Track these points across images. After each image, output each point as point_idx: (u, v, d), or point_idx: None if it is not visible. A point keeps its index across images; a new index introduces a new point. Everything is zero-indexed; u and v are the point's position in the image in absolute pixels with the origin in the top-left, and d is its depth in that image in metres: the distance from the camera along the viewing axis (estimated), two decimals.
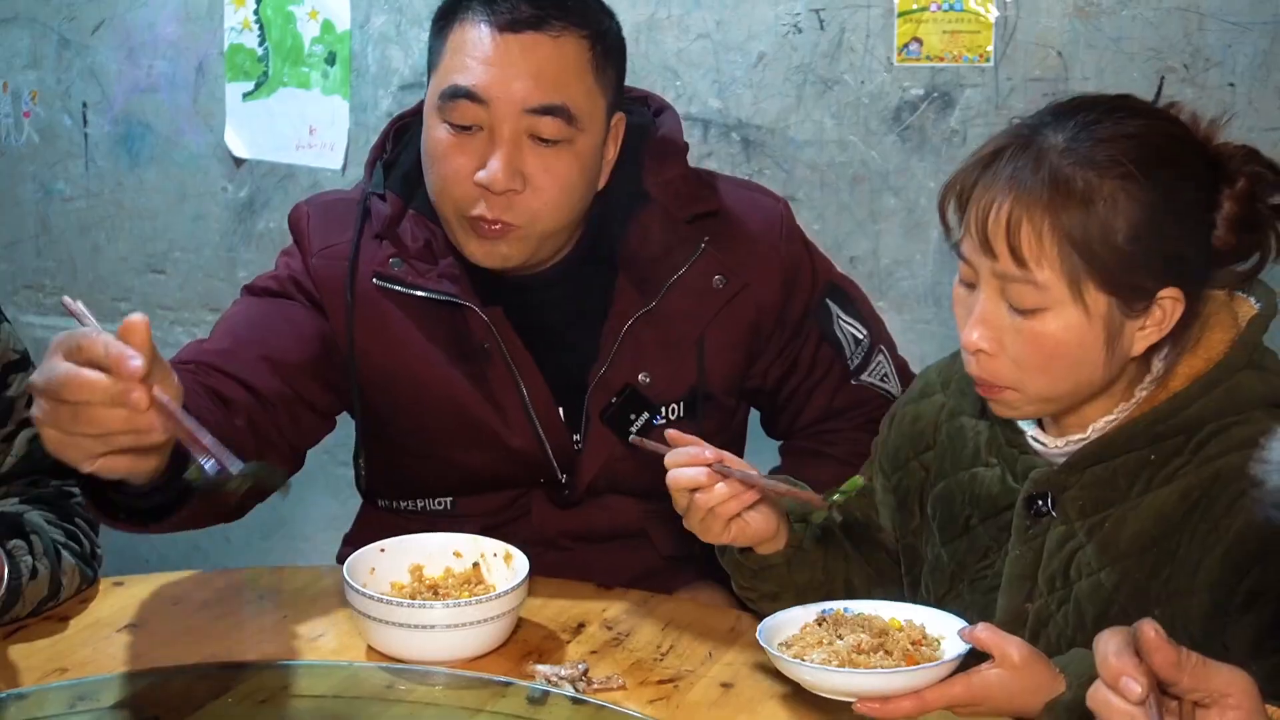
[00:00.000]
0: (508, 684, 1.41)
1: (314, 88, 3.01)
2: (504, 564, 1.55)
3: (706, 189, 1.79)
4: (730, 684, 1.42)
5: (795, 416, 1.88)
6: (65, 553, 1.57)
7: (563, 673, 1.41)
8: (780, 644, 1.35)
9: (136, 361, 1.14)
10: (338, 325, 1.75)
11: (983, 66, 2.49)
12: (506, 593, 1.45)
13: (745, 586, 1.51)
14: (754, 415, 1.96)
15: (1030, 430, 1.42)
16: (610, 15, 1.72)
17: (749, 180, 2.22)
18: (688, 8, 2.68)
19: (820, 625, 1.37)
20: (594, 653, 1.48)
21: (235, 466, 1.17)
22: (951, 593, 1.47)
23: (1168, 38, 2.36)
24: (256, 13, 3.04)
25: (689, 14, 2.68)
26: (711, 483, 1.37)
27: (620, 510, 1.82)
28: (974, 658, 1.26)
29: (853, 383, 1.86)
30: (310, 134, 3.03)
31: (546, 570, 1.60)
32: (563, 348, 1.76)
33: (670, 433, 1.43)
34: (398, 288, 1.72)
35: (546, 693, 1.39)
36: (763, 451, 1.88)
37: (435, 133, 1.66)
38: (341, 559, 1.86)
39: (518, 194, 1.64)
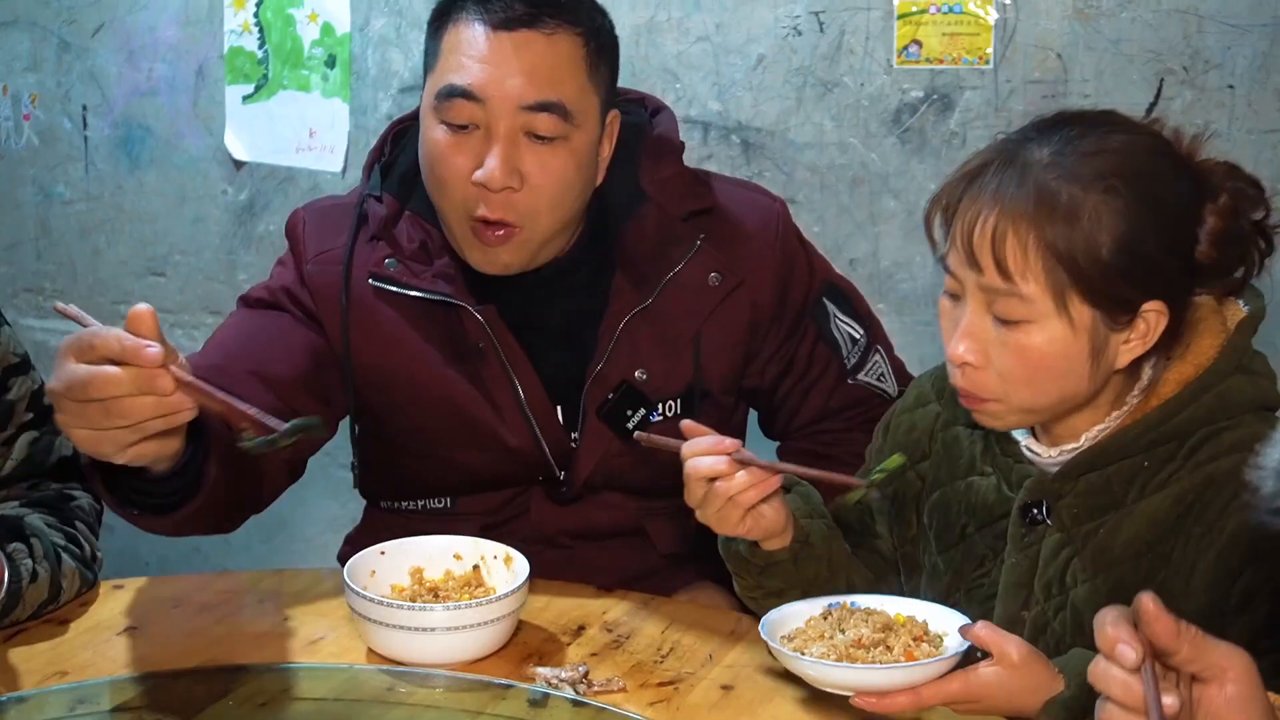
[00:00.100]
0: (508, 686, 1.41)
1: (314, 90, 3.01)
2: (504, 566, 1.55)
3: (702, 186, 1.81)
4: (731, 686, 1.42)
5: (792, 416, 1.88)
6: (65, 556, 1.57)
7: (563, 675, 1.41)
8: (783, 637, 1.36)
9: (154, 349, 1.21)
10: (333, 329, 1.75)
11: (982, 69, 2.49)
12: (507, 595, 1.45)
13: (750, 585, 1.51)
14: (753, 416, 1.96)
15: (1024, 440, 1.43)
16: (603, 13, 1.73)
17: (746, 180, 2.22)
18: (687, 10, 2.68)
19: (825, 619, 1.38)
20: (594, 655, 1.48)
21: (278, 428, 1.27)
22: (949, 601, 1.47)
23: (1167, 40, 2.36)
24: (256, 15, 3.04)
25: (689, 17, 2.68)
26: (732, 471, 1.37)
27: (618, 508, 1.82)
28: (975, 655, 1.27)
29: (849, 382, 1.86)
30: (310, 137, 3.03)
31: (546, 568, 1.60)
32: (560, 345, 1.77)
33: (685, 423, 1.43)
34: (393, 288, 1.73)
35: (547, 695, 1.39)
36: (761, 453, 1.88)
37: (432, 133, 1.67)
38: (342, 558, 1.86)
39: (515, 192, 1.64)
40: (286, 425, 1.28)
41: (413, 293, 1.73)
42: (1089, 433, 1.37)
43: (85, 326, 1.26)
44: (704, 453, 1.39)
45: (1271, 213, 1.38)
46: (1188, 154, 1.36)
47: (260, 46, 3.05)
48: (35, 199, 3.39)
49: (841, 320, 1.86)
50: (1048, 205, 1.28)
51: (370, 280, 1.74)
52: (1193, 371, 1.35)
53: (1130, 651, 0.98)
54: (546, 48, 1.64)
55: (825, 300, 1.85)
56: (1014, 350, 1.31)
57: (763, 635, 1.35)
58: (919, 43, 2.52)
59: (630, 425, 1.76)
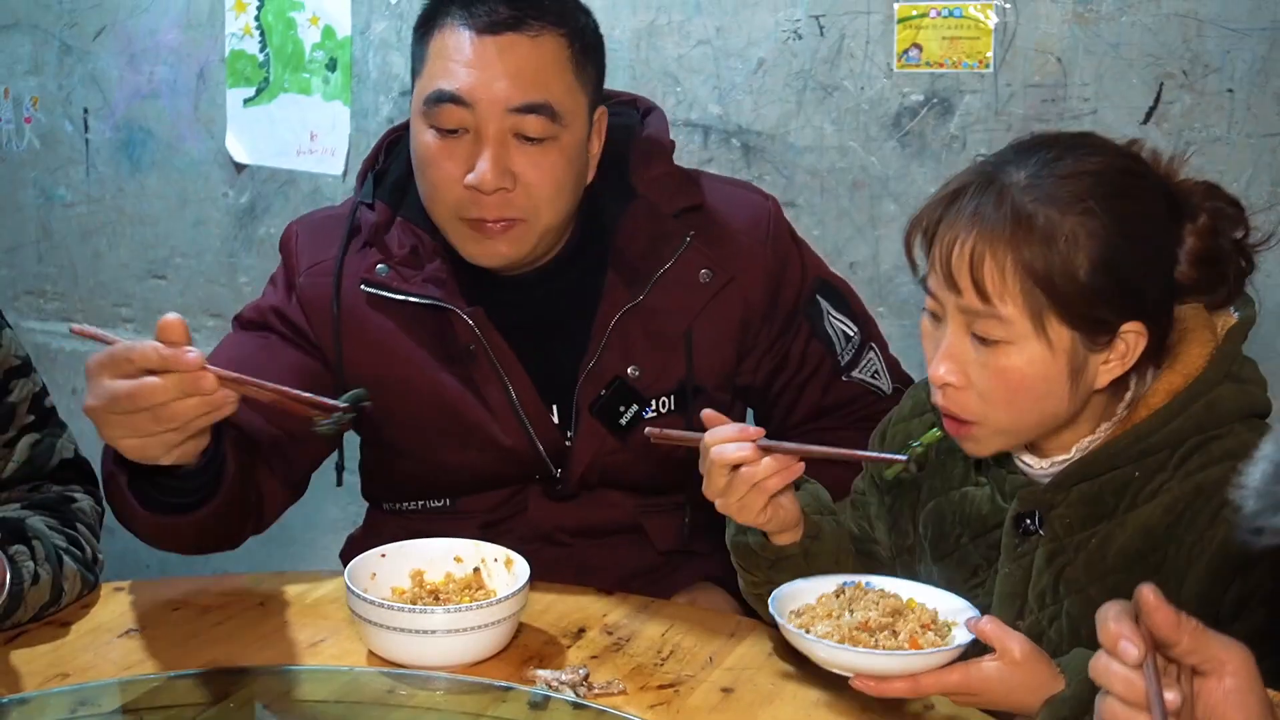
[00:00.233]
0: (508, 689, 1.41)
1: (315, 93, 3.01)
2: (505, 569, 1.55)
3: (691, 184, 1.82)
4: (731, 689, 1.42)
5: (787, 413, 1.88)
6: (67, 558, 1.57)
7: (563, 678, 1.41)
8: (792, 612, 1.37)
9: (194, 353, 1.31)
10: (325, 340, 1.77)
11: (982, 72, 2.49)
12: (507, 598, 1.45)
13: (759, 580, 1.50)
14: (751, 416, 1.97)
15: (1017, 452, 1.43)
16: (586, 12, 1.75)
17: (739, 179, 2.23)
18: (688, 14, 2.68)
19: (837, 597, 1.39)
20: (594, 658, 1.49)
21: (336, 405, 1.44)
22: None
23: (1166, 44, 2.36)
24: (257, 19, 3.05)
25: (689, 20, 2.68)
26: (757, 457, 1.38)
27: (616, 505, 1.83)
28: (981, 649, 1.28)
29: (844, 379, 1.87)
30: (311, 140, 3.03)
31: (544, 566, 1.61)
32: (553, 344, 1.78)
33: (706, 413, 1.44)
34: (383, 294, 1.75)
35: (547, 698, 1.39)
36: None
37: (423, 138, 1.68)
38: (344, 557, 1.87)
39: (509, 192, 1.66)
40: (342, 399, 1.44)
41: (403, 297, 1.74)
42: (1080, 444, 1.38)
43: (108, 344, 1.35)
44: (728, 440, 1.39)
45: (1251, 231, 1.38)
46: (1165, 175, 1.37)
47: (261, 50, 3.06)
48: (36, 202, 3.40)
49: (835, 317, 1.86)
50: (1025, 227, 1.28)
51: (362, 286, 1.75)
52: (1182, 381, 1.35)
53: (1133, 648, 0.98)
54: (531, 49, 1.65)
55: (818, 297, 1.86)
56: (993, 371, 1.32)
57: (771, 609, 1.36)
58: (919, 46, 2.52)
59: (623, 422, 1.77)
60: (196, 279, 3.26)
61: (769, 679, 1.44)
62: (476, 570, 1.57)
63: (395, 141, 1.84)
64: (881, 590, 1.40)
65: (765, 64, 2.63)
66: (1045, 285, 1.28)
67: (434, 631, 1.42)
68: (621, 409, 1.77)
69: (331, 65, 2.99)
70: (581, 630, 1.55)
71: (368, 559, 1.54)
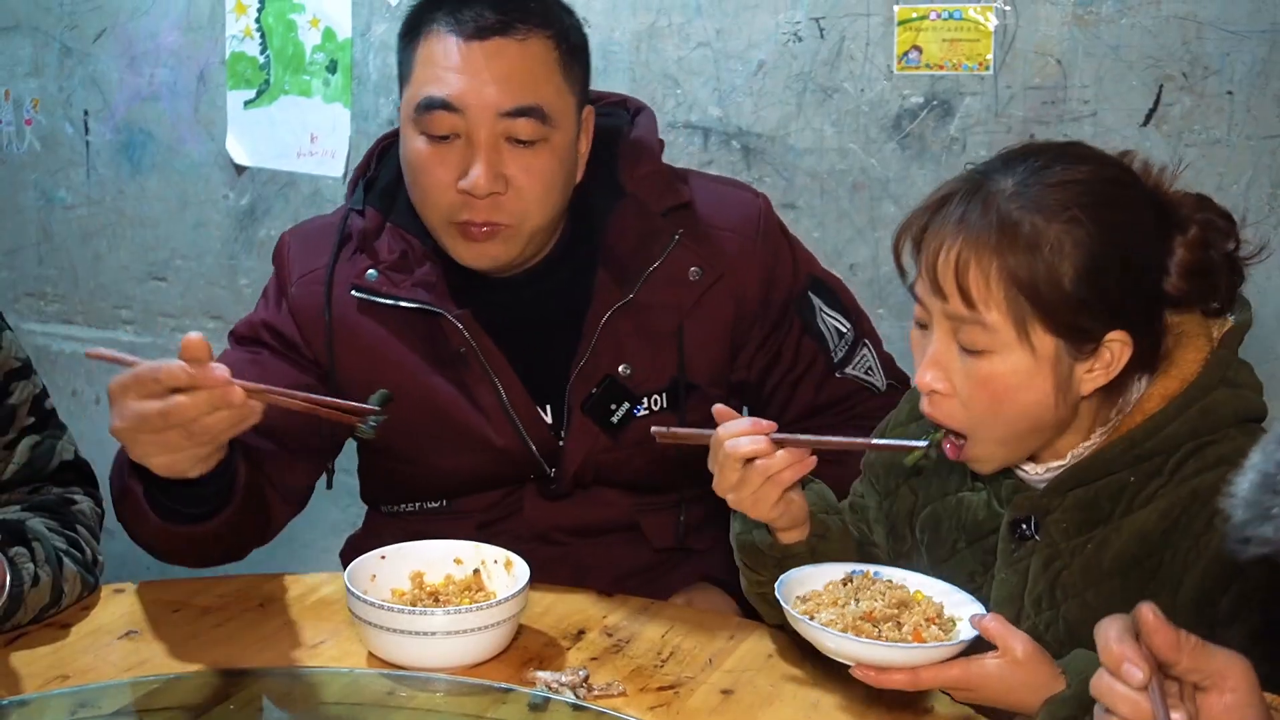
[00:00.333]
0: (508, 690, 1.41)
1: (315, 95, 3.01)
2: (504, 571, 1.55)
3: (679, 182, 1.83)
4: (731, 691, 1.42)
5: (781, 411, 1.89)
6: (67, 560, 1.57)
7: (563, 679, 1.41)
8: (798, 598, 1.38)
9: (221, 368, 1.37)
10: (318, 347, 1.78)
11: (982, 74, 2.49)
12: (507, 599, 1.46)
13: (764, 580, 1.49)
14: None
15: None
16: (570, 12, 1.76)
17: (729, 178, 2.24)
18: (688, 16, 2.68)
19: (844, 585, 1.40)
20: (594, 659, 1.49)
21: (368, 406, 1.52)
22: None
23: (1166, 46, 2.37)
24: (258, 21, 3.05)
25: (689, 22, 2.69)
26: (771, 450, 1.38)
27: (612, 504, 1.84)
28: (985, 645, 1.28)
29: (837, 376, 1.87)
30: (311, 141, 3.04)
31: (541, 565, 1.61)
32: (545, 344, 1.79)
33: (718, 408, 1.44)
34: (374, 299, 1.76)
35: (547, 699, 1.39)
36: None
37: (413, 145, 1.69)
38: (344, 559, 1.87)
39: (501, 196, 1.67)
40: (371, 400, 1.52)
41: (392, 302, 1.75)
42: (1075, 450, 1.38)
43: (128, 366, 1.39)
44: (742, 433, 1.39)
45: (1242, 244, 1.37)
46: (1155, 185, 1.36)
47: (262, 52, 3.06)
48: (37, 204, 3.40)
49: (828, 314, 1.87)
50: (1010, 235, 1.28)
51: (352, 292, 1.76)
52: (1177, 386, 1.35)
53: (1138, 672, 0.98)
54: (520, 53, 1.66)
55: (810, 294, 1.86)
56: (978, 379, 1.32)
57: (777, 593, 1.36)
58: (919, 49, 2.52)
59: (614, 420, 1.78)
60: (197, 281, 3.26)
61: (769, 681, 1.44)
62: (476, 572, 1.57)
63: (387, 148, 1.85)
64: (889, 581, 1.40)
65: (765, 66, 2.64)
66: (1029, 293, 1.28)
67: (434, 633, 1.42)
68: (613, 407, 1.78)
69: (332, 67, 2.99)
70: (581, 632, 1.55)
71: (368, 561, 1.54)
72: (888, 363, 1.93)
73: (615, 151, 1.81)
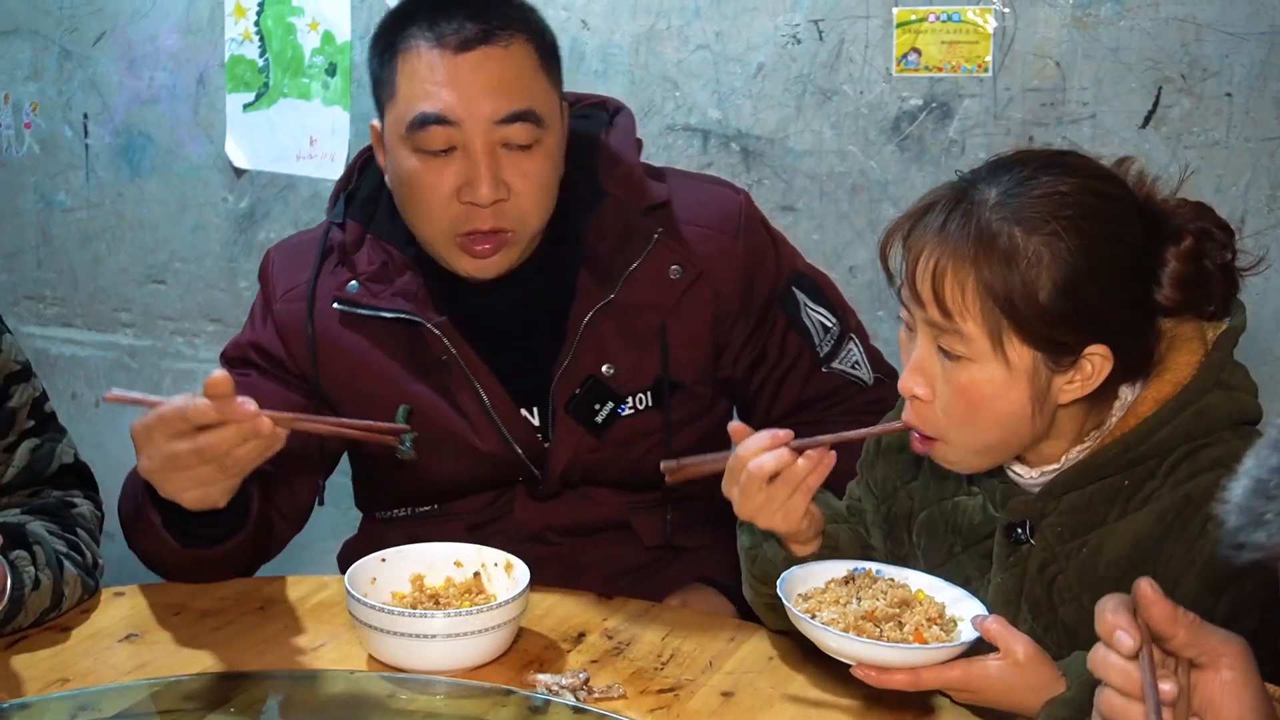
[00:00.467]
0: (509, 693, 1.41)
1: (314, 98, 3.01)
2: (505, 573, 1.55)
3: (658, 181, 1.83)
4: (731, 693, 1.42)
5: (770, 407, 1.89)
6: (67, 563, 1.57)
7: (563, 682, 1.41)
8: (799, 595, 1.37)
9: (250, 402, 1.42)
10: (303, 362, 1.79)
11: (981, 77, 2.49)
12: (507, 602, 1.46)
13: (772, 593, 1.49)
14: None
15: (1007, 461, 1.42)
16: (535, 10, 1.76)
17: (710, 174, 2.24)
18: (687, 19, 2.68)
19: (845, 584, 1.39)
20: (594, 662, 1.49)
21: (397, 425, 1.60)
22: None
23: (1165, 48, 2.37)
24: (257, 24, 3.05)
25: (689, 25, 2.69)
26: (793, 460, 1.38)
27: (602, 503, 1.84)
28: (986, 647, 1.28)
29: (824, 370, 1.87)
30: (311, 144, 3.04)
31: (534, 565, 1.61)
32: (529, 347, 1.79)
33: (734, 426, 1.44)
34: (355, 310, 1.77)
35: (547, 702, 1.39)
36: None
37: (407, 164, 1.69)
38: (342, 562, 1.88)
39: (504, 202, 1.67)
40: (399, 417, 1.60)
41: (373, 312, 1.76)
42: (1070, 454, 1.38)
43: (153, 406, 1.44)
44: (763, 449, 1.39)
45: (1238, 255, 1.37)
46: (1147, 197, 1.35)
47: (261, 55, 3.06)
48: (36, 207, 3.40)
49: (812, 309, 1.87)
50: (987, 246, 1.27)
51: (334, 305, 1.77)
52: (1170, 390, 1.34)
53: (1128, 639, 0.99)
54: (506, 60, 1.66)
55: (794, 289, 1.86)
56: (955, 388, 1.32)
57: (779, 590, 1.36)
58: (918, 51, 2.53)
59: (599, 420, 1.78)
60: (196, 284, 3.26)
61: (769, 683, 1.44)
62: (476, 575, 1.57)
63: (369, 161, 1.85)
64: (890, 579, 1.40)
65: (764, 68, 2.64)
66: (1004, 305, 1.27)
67: (434, 636, 1.42)
68: (596, 407, 1.78)
69: (331, 70, 2.99)
70: (581, 634, 1.55)
71: (368, 564, 1.54)
72: (875, 356, 1.93)
73: (594, 152, 1.81)
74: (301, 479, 1.79)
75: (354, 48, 2.95)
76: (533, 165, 1.69)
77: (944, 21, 2.50)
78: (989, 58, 2.48)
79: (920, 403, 1.35)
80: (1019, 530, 1.40)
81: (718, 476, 1.44)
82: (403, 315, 1.75)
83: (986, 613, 1.32)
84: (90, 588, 1.61)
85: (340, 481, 1.93)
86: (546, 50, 1.72)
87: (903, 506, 1.55)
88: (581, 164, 1.79)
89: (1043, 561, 1.38)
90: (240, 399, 1.41)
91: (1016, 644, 1.26)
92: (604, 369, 1.77)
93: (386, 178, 1.75)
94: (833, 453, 1.40)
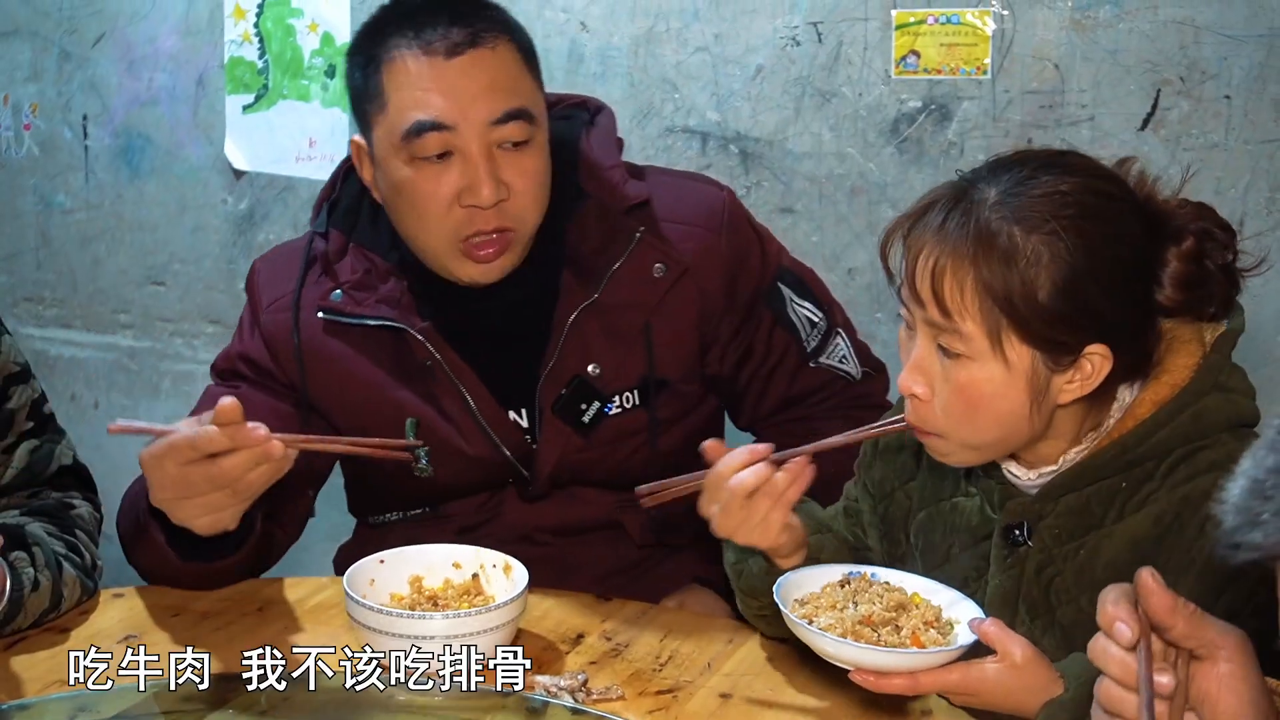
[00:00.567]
0: (507, 695, 1.41)
1: (314, 100, 3.02)
2: (503, 575, 1.55)
3: (639, 179, 1.83)
4: (729, 694, 1.42)
5: (758, 403, 1.89)
6: (66, 564, 1.57)
7: (562, 683, 1.41)
8: (796, 600, 1.37)
9: (261, 427, 1.42)
10: (291, 372, 1.80)
11: (980, 79, 2.49)
12: (506, 604, 1.46)
13: (762, 605, 1.49)
14: None
15: (1004, 462, 1.43)
16: (507, 10, 1.76)
17: (693, 171, 2.24)
18: (686, 21, 2.69)
19: (842, 587, 1.39)
20: (593, 663, 1.49)
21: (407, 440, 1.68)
22: None
23: (1164, 50, 2.37)
24: (256, 26, 3.05)
25: (688, 27, 2.69)
26: (771, 474, 1.38)
27: (591, 502, 1.84)
28: (983, 649, 1.28)
29: (811, 366, 1.87)
30: (310, 146, 3.04)
31: (526, 566, 1.61)
32: (514, 350, 1.79)
33: (707, 445, 1.44)
34: (340, 319, 1.77)
35: (546, 703, 1.39)
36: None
37: (401, 174, 1.68)
38: (337, 566, 1.88)
39: (505, 202, 1.68)
40: (408, 431, 1.68)
41: (357, 321, 1.76)
42: (1067, 455, 1.38)
43: (159, 434, 1.44)
44: (742, 465, 1.39)
45: (1240, 256, 1.37)
46: (1148, 197, 1.35)
47: (260, 56, 3.06)
48: (35, 208, 3.40)
49: (798, 304, 1.87)
50: (986, 245, 1.27)
51: (319, 314, 1.78)
52: (1168, 392, 1.34)
53: (1126, 630, 1.00)
54: (494, 61, 1.67)
55: (780, 285, 1.86)
56: (954, 386, 1.32)
57: (775, 597, 1.36)
58: (917, 53, 2.53)
59: (585, 420, 1.78)
60: (195, 285, 3.26)
61: (767, 685, 1.44)
62: (475, 576, 1.57)
63: (351, 170, 1.85)
64: (886, 583, 1.40)
65: (763, 70, 2.64)
66: (1003, 305, 1.27)
67: (433, 637, 1.42)
68: (583, 407, 1.78)
69: (330, 72, 2.99)
70: (580, 636, 1.55)
71: (366, 565, 1.54)
72: (863, 350, 1.93)
73: (576, 153, 1.82)
74: (298, 490, 1.79)
75: None
76: (529, 162, 1.69)
77: (943, 24, 2.51)
78: (988, 60, 2.49)
79: (919, 402, 1.35)
80: (1017, 532, 1.40)
81: (695, 496, 1.44)
82: (386, 322, 1.75)
83: (982, 615, 1.32)
84: (89, 589, 1.62)
85: (340, 483, 1.94)
86: (527, 49, 1.73)
87: (900, 507, 1.55)
88: (563, 165, 1.79)
89: (1040, 563, 1.38)
90: (250, 424, 1.42)
91: (1014, 646, 1.26)
92: (589, 369, 1.77)
93: (374, 192, 1.76)
94: (812, 465, 1.40)
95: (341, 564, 1.88)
